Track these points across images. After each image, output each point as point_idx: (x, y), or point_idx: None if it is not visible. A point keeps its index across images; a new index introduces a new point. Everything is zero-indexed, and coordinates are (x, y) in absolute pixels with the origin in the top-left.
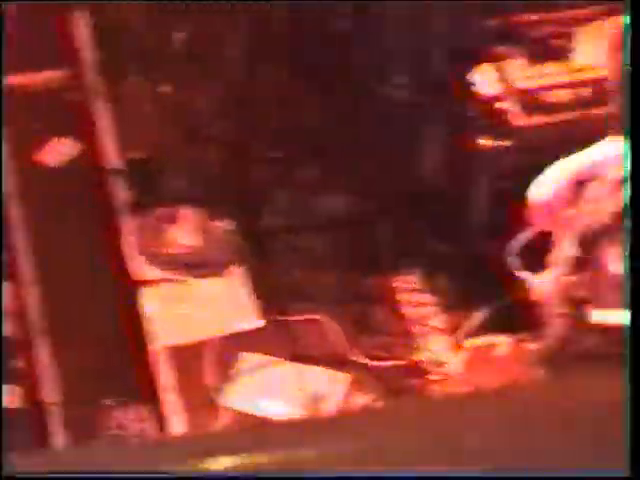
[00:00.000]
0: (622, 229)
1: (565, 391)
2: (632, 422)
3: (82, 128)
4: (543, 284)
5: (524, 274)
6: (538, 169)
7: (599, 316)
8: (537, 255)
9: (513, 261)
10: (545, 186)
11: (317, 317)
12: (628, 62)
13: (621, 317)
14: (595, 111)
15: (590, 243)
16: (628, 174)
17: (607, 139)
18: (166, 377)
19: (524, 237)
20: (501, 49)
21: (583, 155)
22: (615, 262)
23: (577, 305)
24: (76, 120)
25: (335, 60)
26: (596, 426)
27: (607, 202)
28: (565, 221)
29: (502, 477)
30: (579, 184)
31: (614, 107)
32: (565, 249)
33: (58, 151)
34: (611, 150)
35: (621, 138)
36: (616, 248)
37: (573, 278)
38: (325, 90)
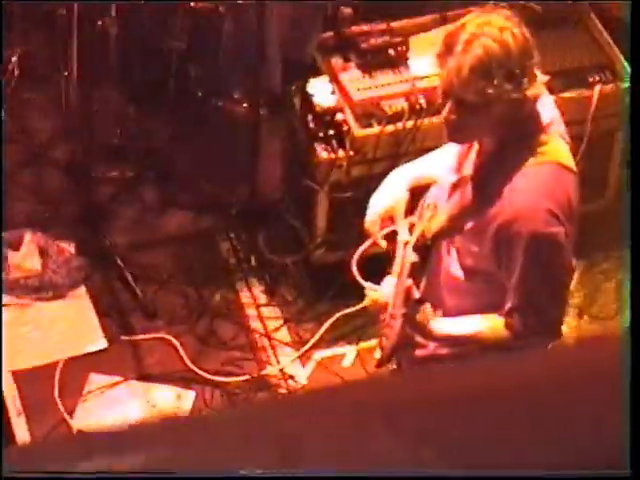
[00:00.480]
0: (459, 229)
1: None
2: (632, 422)
3: None
4: (385, 291)
5: (366, 283)
6: (377, 179)
7: (438, 321)
8: (378, 264)
9: (354, 271)
10: (383, 195)
11: (163, 335)
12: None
13: (463, 324)
14: (431, 119)
15: (429, 248)
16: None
17: (444, 146)
18: (14, 401)
19: (364, 246)
20: (337, 61)
21: (420, 162)
22: (454, 265)
23: (414, 305)
24: None
25: (173, 77)
26: (419, 421)
27: (444, 206)
28: (404, 228)
29: (502, 477)
30: (417, 191)
31: (448, 113)
32: (405, 255)
33: None
34: (448, 155)
35: (457, 145)
36: (454, 251)
37: (411, 283)
38: (165, 107)
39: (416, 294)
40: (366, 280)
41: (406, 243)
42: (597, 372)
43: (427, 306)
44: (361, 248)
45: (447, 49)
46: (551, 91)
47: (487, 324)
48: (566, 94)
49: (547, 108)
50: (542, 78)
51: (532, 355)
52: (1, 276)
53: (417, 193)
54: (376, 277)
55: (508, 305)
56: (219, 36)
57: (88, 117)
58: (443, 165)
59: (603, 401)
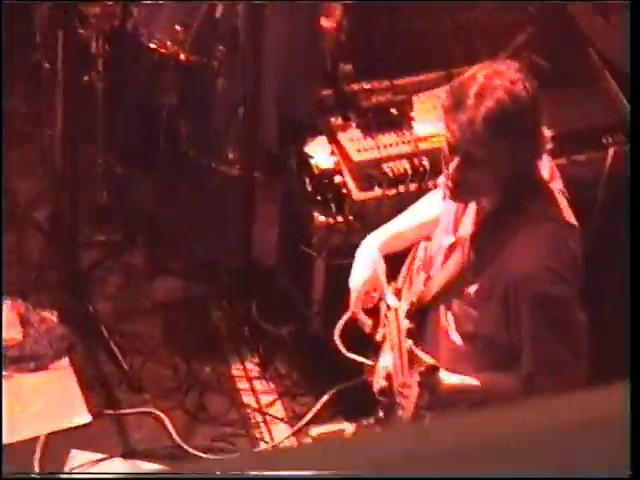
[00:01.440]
0: (458, 293)
1: None
2: (632, 422)
3: None
4: (383, 362)
5: (352, 355)
6: None
7: (450, 378)
8: (365, 334)
9: (338, 343)
10: (358, 271)
11: (150, 409)
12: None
13: (470, 381)
14: (435, 182)
15: (424, 313)
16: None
17: (434, 195)
18: None
19: (343, 320)
20: (336, 120)
21: (399, 220)
22: (452, 331)
23: (426, 372)
24: None
25: (163, 135)
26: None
27: (441, 270)
28: (390, 295)
29: (502, 478)
30: (410, 249)
31: (454, 170)
32: (398, 322)
33: None
34: (442, 215)
35: (448, 203)
36: (451, 317)
37: (411, 344)
38: (154, 167)
39: (422, 356)
40: (362, 350)
41: (396, 310)
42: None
43: (441, 370)
44: (340, 322)
45: (457, 101)
46: (562, 153)
47: (501, 381)
48: (578, 157)
49: (545, 163)
50: (547, 133)
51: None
52: (1, 278)
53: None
54: (368, 347)
55: (525, 371)
56: (212, 92)
57: (73, 177)
58: (434, 225)
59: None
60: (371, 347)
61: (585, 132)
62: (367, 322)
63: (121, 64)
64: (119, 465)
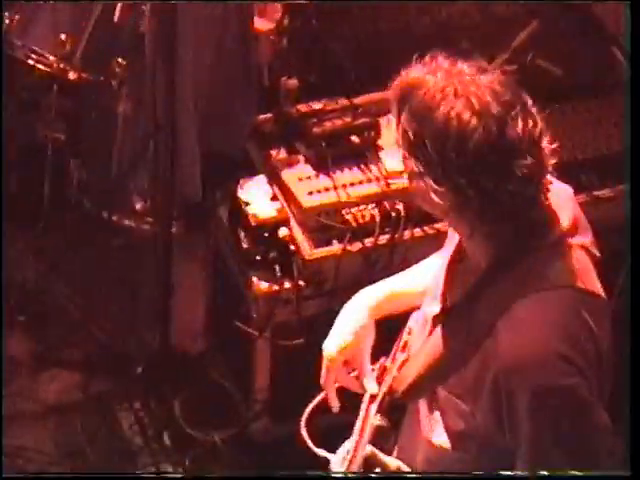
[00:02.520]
0: (444, 383)
1: None
2: (632, 422)
3: None
4: (346, 459)
5: (324, 453)
6: (333, 314)
7: None
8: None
9: (305, 435)
10: (340, 329)
11: None
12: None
13: None
14: (413, 231)
15: (400, 407)
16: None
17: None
18: None
19: (314, 403)
20: (278, 153)
21: (398, 278)
22: (438, 431)
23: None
24: None
25: (49, 181)
26: None
27: (422, 348)
28: (370, 375)
29: (502, 478)
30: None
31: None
32: (366, 415)
33: None
34: (431, 275)
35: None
36: (437, 412)
37: (371, 450)
38: (37, 224)
39: (388, 460)
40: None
41: (373, 398)
42: None
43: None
44: (310, 406)
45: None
46: (581, 188)
47: None
48: (604, 192)
49: (565, 206)
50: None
51: None
52: (1, 280)
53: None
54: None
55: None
56: (111, 122)
57: None
58: (424, 288)
59: None
60: None
61: (609, 159)
62: (335, 406)
63: None
64: None
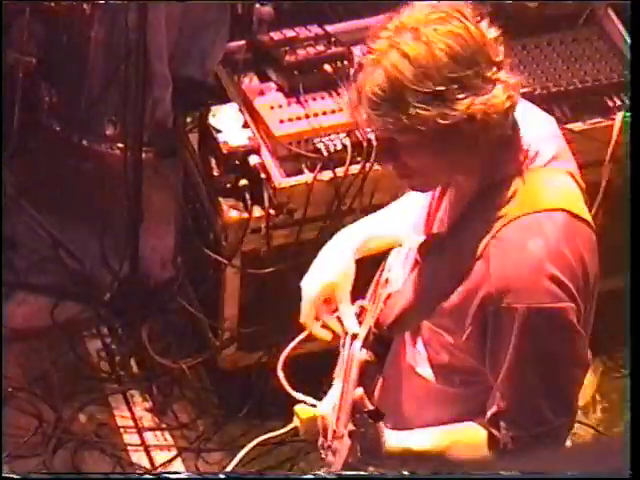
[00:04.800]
0: (429, 312)
1: None
2: (632, 422)
3: None
4: (325, 406)
5: (299, 395)
6: (309, 247)
7: (395, 436)
8: (315, 366)
9: (281, 377)
10: (321, 269)
11: (6, 474)
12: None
13: (426, 438)
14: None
15: (385, 341)
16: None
17: (408, 194)
18: None
19: (295, 342)
20: (251, 81)
21: (375, 218)
22: (422, 364)
23: (363, 419)
24: None
25: (19, 105)
26: None
27: (407, 280)
28: (350, 314)
29: (501, 478)
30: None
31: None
32: (352, 352)
33: None
34: (413, 208)
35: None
36: (421, 344)
37: (361, 392)
38: (7, 147)
39: (369, 405)
40: (298, 389)
41: (354, 336)
42: None
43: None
44: (290, 345)
45: (355, 73)
46: (557, 120)
47: (461, 437)
48: (577, 125)
49: (551, 134)
50: (509, 79)
51: None
52: (1, 278)
53: (370, 263)
54: (312, 385)
55: (492, 410)
56: (83, 46)
57: None
58: (406, 222)
59: None
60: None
61: (585, 92)
62: (326, 336)
63: None
64: None
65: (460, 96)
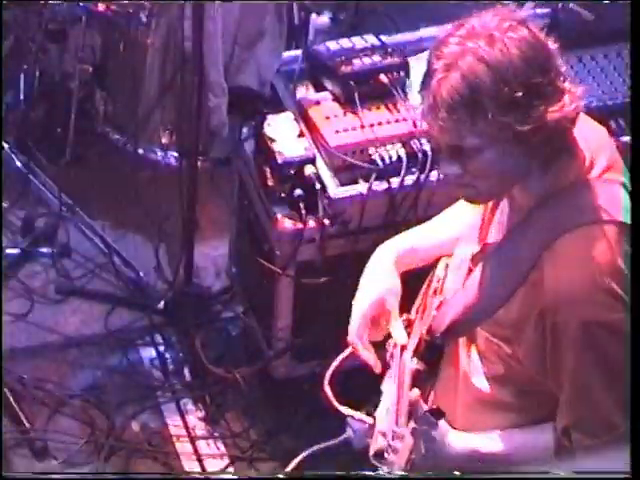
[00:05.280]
0: (484, 321)
1: None
2: (632, 422)
3: None
4: (381, 414)
5: (347, 410)
6: (363, 258)
7: (460, 438)
8: (365, 378)
9: (328, 391)
10: (367, 286)
11: None
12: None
13: (486, 440)
14: (438, 172)
15: (438, 349)
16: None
17: (455, 205)
18: None
19: (340, 358)
20: (307, 91)
21: (419, 231)
22: (477, 374)
23: (426, 418)
24: None
25: (76, 114)
26: None
27: (461, 290)
28: (398, 326)
29: (503, 478)
30: (416, 272)
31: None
32: (403, 362)
33: None
34: (464, 219)
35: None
36: (475, 354)
37: (418, 394)
38: (62, 156)
39: (425, 406)
40: (349, 401)
41: (403, 347)
42: None
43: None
44: (335, 362)
45: (424, 79)
46: (610, 134)
47: (526, 441)
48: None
49: (604, 146)
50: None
51: None
52: (1, 276)
53: (416, 275)
54: (363, 397)
55: (562, 423)
56: (139, 54)
57: None
58: (456, 233)
59: None
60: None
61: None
62: (373, 359)
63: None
64: None
65: (535, 103)
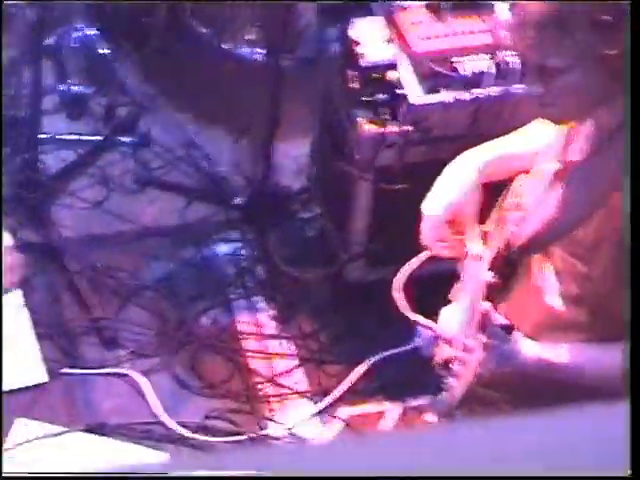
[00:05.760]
0: (561, 239)
1: None
2: (632, 422)
3: None
4: (447, 322)
5: (416, 316)
6: (442, 166)
7: (532, 346)
8: (437, 287)
9: (398, 297)
10: (445, 191)
11: (125, 371)
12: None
13: (558, 352)
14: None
15: (513, 264)
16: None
17: (535, 123)
18: None
19: (414, 263)
20: None
21: (501, 143)
22: (551, 291)
23: (497, 332)
24: None
25: (164, 10)
26: None
27: (540, 206)
28: (475, 236)
29: (503, 477)
30: (495, 185)
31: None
32: (477, 274)
33: None
34: (546, 134)
35: (551, 123)
36: (551, 271)
37: (489, 306)
38: (147, 53)
39: (499, 318)
40: (419, 309)
41: (479, 257)
42: None
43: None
44: (408, 266)
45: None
46: None
47: (599, 356)
48: None
49: None
50: None
51: None
52: (1, 276)
53: (495, 188)
54: (433, 306)
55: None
56: None
57: None
58: (537, 148)
59: None
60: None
61: None
62: (449, 254)
63: None
64: (80, 442)
65: (624, 26)
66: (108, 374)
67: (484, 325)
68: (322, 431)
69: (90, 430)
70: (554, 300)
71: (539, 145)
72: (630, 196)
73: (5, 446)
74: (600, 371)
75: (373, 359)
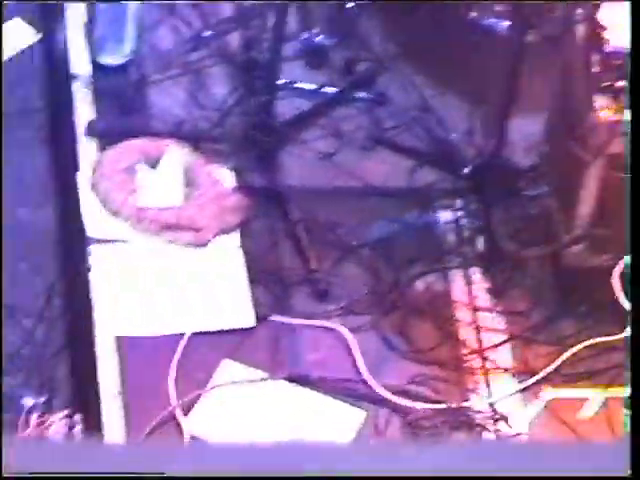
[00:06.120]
0: None
1: None
2: (632, 422)
3: None
4: None
5: (630, 305)
6: None
7: None
8: None
9: (616, 285)
10: None
11: (334, 325)
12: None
13: None
14: None
15: None
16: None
17: None
18: (110, 377)
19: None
20: None
21: None
22: None
23: None
24: None
25: None
26: None
27: None
28: None
29: (501, 477)
30: None
31: None
32: None
33: None
34: None
35: None
36: None
37: None
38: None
39: None
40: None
41: None
42: None
43: None
44: (627, 257)
45: None
46: None
47: None
48: None
49: None
50: None
51: None
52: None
53: None
54: None
55: None
56: None
57: None
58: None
59: None
60: None
61: None
62: None
63: None
64: (281, 391)
65: None
66: (316, 327)
67: None
68: (523, 410)
69: (292, 380)
70: None
71: None
72: (630, 196)
73: (209, 385)
74: None
75: (583, 344)
